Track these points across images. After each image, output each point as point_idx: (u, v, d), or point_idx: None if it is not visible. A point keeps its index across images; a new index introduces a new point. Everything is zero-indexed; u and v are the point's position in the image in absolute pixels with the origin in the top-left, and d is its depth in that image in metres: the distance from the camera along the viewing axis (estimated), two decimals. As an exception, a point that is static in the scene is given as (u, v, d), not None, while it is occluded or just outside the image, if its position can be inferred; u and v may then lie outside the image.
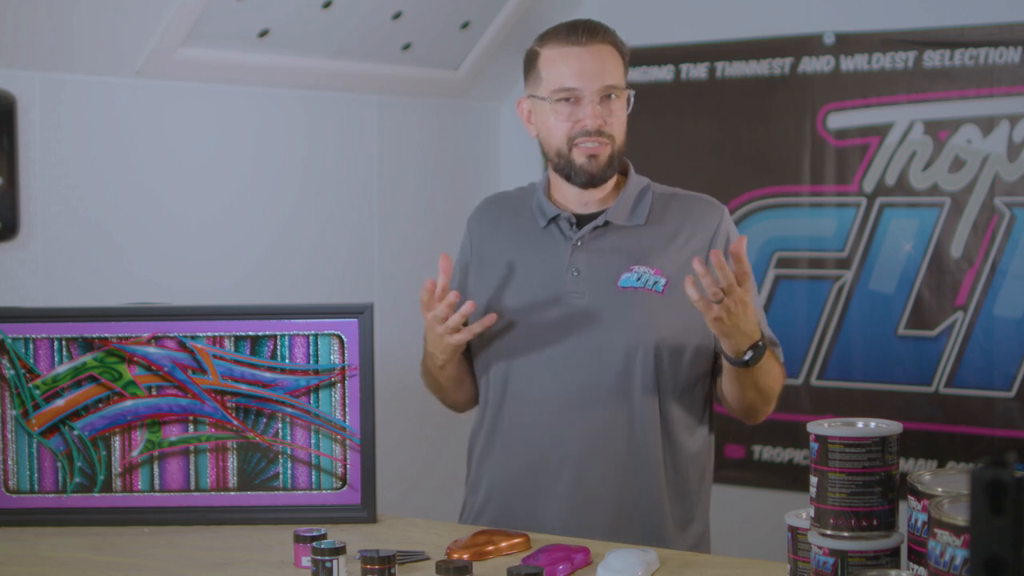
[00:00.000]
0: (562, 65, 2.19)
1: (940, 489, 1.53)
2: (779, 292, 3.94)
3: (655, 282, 2.19)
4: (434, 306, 2.16)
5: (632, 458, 2.20)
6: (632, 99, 2.24)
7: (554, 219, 2.26)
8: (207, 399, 2.20)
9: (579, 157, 2.19)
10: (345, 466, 2.19)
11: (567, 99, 2.18)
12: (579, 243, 2.23)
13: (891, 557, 1.60)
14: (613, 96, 2.19)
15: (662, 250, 2.22)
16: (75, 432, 2.20)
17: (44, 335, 2.21)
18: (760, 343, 2.10)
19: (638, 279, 2.20)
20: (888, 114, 3.74)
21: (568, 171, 2.22)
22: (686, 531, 2.25)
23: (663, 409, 2.21)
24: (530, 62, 2.25)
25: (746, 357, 2.09)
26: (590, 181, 2.21)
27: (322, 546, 1.79)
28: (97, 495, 2.21)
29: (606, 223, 2.23)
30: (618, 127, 2.21)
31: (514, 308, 2.25)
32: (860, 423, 1.64)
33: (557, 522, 2.19)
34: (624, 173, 2.31)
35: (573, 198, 2.26)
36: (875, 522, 1.59)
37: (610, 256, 2.22)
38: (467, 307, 2.14)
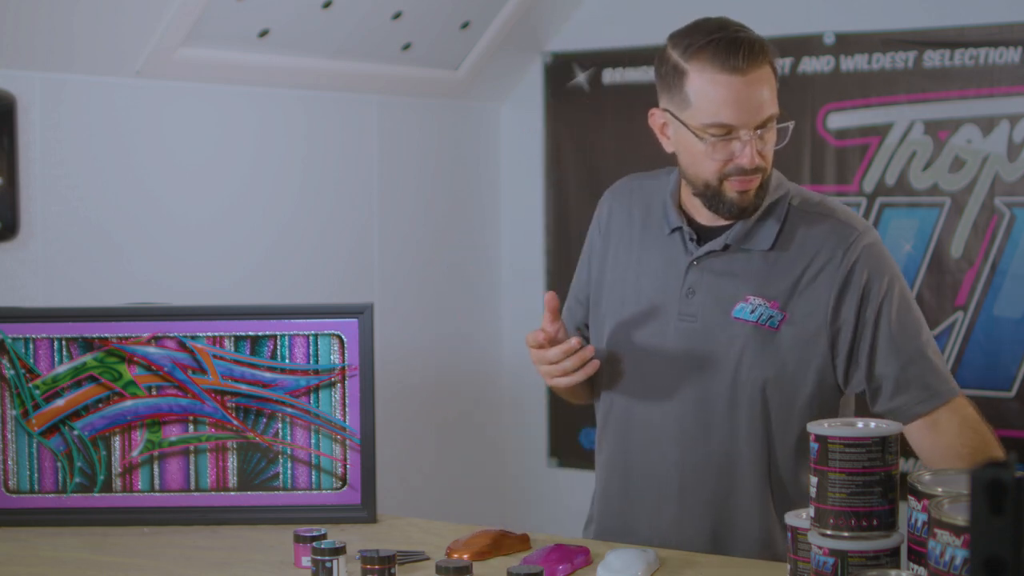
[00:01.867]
0: (716, 95, 1.94)
1: (940, 489, 1.53)
2: (779, 292, 3.94)
3: (770, 317, 2.02)
4: (546, 348, 2.02)
5: (736, 498, 2.06)
6: (791, 130, 2.02)
7: (677, 229, 2.10)
8: (207, 399, 2.20)
9: (730, 192, 2.00)
10: (345, 466, 2.19)
11: (723, 135, 1.96)
12: (696, 262, 2.07)
13: (891, 557, 1.60)
14: (769, 125, 1.99)
15: (782, 280, 2.03)
16: (75, 432, 2.20)
17: (44, 335, 2.21)
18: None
19: (752, 312, 2.03)
20: (888, 114, 3.74)
21: (716, 204, 2.02)
22: None
23: (771, 451, 2.05)
24: (673, 75, 2.00)
25: None
26: (741, 214, 2.03)
27: (322, 546, 1.79)
28: (97, 495, 2.21)
29: (726, 246, 2.05)
30: (770, 154, 2.01)
31: (627, 318, 2.13)
32: (860, 423, 1.64)
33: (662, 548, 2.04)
34: None
35: (702, 207, 2.07)
36: (875, 522, 1.59)
37: (727, 281, 2.05)
38: (585, 352, 2.00)
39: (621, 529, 2.15)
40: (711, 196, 2.02)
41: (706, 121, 1.96)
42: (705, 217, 2.09)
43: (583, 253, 2.27)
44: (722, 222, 2.07)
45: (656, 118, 2.08)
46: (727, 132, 1.96)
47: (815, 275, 2.02)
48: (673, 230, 2.11)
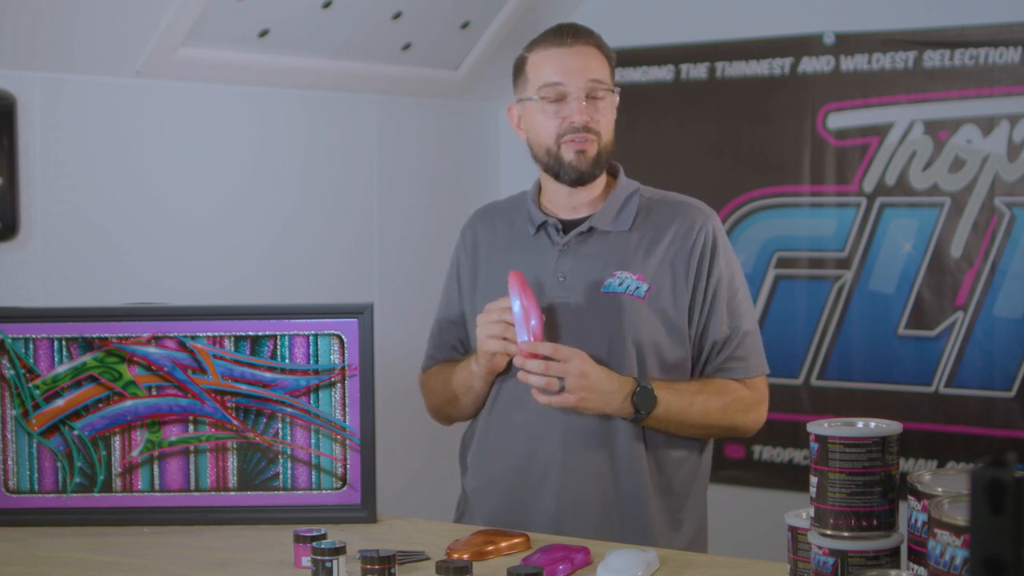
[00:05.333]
0: (548, 65, 2.22)
1: (940, 489, 1.53)
2: (779, 292, 3.94)
3: (637, 287, 2.21)
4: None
5: (615, 461, 2.21)
6: (617, 99, 2.26)
7: (542, 225, 2.29)
8: (207, 399, 2.20)
9: (567, 153, 2.21)
10: (345, 466, 2.19)
11: (554, 97, 2.21)
12: (565, 248, 2.26)
13: (891, 557, 1.60)
14: (599, 95, 2.22)
15: (645, 256, 2.24)
16: (75, 432, 2.20)
17: (44, 335, 2.21)
18: (639, 388, 2.12)
19: (620, 284, 2.22)
20: (888, 114, 3.74)
21: (557, 169, 2.24)
22: (677, 533, 2.26)
23: None
24: (519, 68, 2.29)
25: (636, 416, 2.14)
26: (579, 178, 2.23)
27: (322, 546, 1.79)
28: (97, 495, 2.20)
29: (591, 229, 2.26)
30: (605, 125, 2.24)
31: None
32: (860, 423, 1.64)
33: (546, 522, 2.21)
34: (614, 175, 2.32)
35: (562, 203, 2.29)
36: (875, 522, 1.59)
37: (594, 261, 2.24)
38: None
39: (512, 512, 2.25)
40: (553, 163, 2.24)
41: (540, 84, 2.23)
42: (564, 210, 2.29)
43: (449, 279, 2.43)
44: (582, 214, 2.28)
45: (512, 112, 2.32)
46: (558, 91, 2.21)
47: (671, 249, 2.25)
48: (538, 228, 2.29)
